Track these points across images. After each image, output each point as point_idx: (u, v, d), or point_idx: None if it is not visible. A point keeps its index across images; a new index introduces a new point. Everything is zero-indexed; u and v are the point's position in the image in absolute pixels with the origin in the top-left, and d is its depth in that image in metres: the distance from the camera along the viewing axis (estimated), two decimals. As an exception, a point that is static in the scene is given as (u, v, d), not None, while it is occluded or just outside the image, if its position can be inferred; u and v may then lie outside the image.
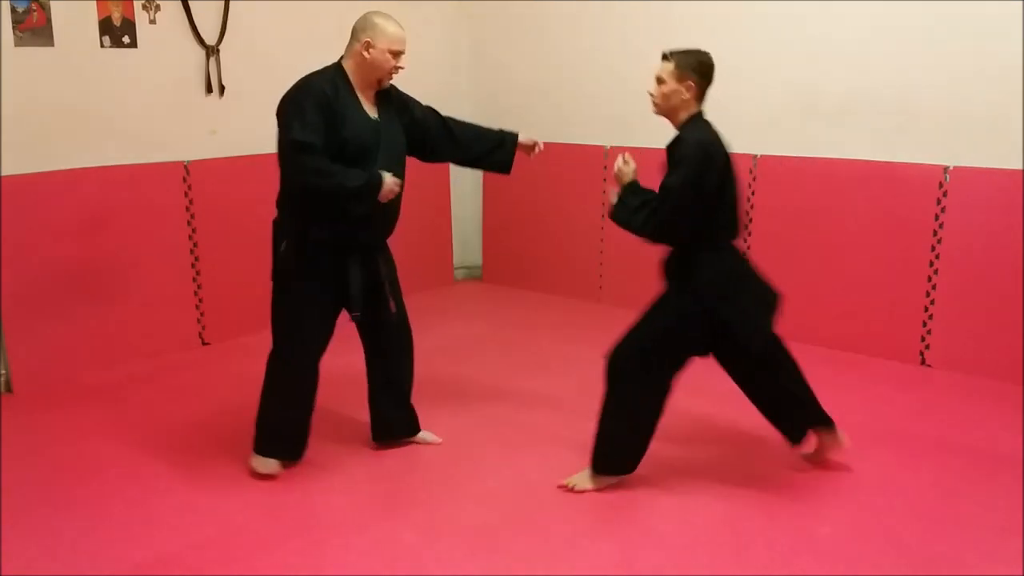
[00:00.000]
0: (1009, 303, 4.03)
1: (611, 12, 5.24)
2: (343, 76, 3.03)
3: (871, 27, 4.31)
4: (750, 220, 4.81)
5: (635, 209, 2.93)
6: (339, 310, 3.19)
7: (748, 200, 4.80)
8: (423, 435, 3.47)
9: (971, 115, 4.10)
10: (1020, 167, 3.98)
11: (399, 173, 3.08)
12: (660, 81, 2.93)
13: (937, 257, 4.23)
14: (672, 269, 3.03)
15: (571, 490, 3.06)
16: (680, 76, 2.89)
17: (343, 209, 2.96)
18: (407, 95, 3.26)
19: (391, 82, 3.11)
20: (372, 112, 3.06)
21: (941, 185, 4.18)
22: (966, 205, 4.12)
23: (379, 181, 2.94)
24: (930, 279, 4.26)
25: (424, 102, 5.88)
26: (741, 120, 4.81)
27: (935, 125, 4.21)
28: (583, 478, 3.09)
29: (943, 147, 4.19)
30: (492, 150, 3.36)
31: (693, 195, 2.84)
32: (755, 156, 4.76)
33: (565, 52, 5.46)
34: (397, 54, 3.00)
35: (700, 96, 2.94)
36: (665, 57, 2.94)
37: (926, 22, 4.15)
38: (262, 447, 3.21)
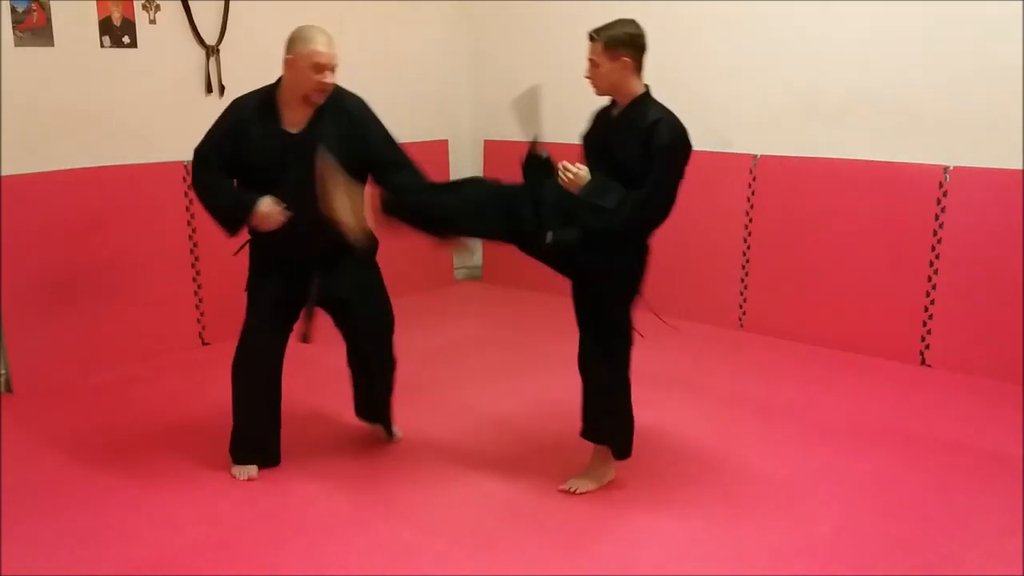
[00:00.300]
0: (1009, 303, 4.03)
1: (611, 12, 5.18)
2: (272, 93, 3.01)
3: (871, 27, 4.31)
4: (750, 220, 4.81)
5: (621, 205, 2.77)
6: (288, 316, 3.20)
7: (748, 200, 4.80)
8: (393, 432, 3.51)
9: (971, 115, 4.10)
10: (1020, 167, 3.98)
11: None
12: (594, 64, 2.84)
13: (937, 257, 4.23)
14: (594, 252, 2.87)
15: (573, 493, 3.06)
16: (612, 54, 2.80)
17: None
18: (367, 116, 3.07)
19: (356, 96, 3.09)
20: (297, 127, 2.98)
21: (941, 185, 4.18)
22: (966, 205, 4.12)
23: (247, 207, 2.91)
24: (930, 279, 4.26)
25: (424, 102, 5.89)
26: (741, 120, 4.83)
27: (935, 125, 4.21)
28: (583, 480, 3.09)
29: (943, 147, 4.19)
30: None
31: (676, 187, 2.86)
32: (755, 156, 4.76)
33: (565, 52, 5.44)
34: (320, 68, 2.88)
35: (639, 69, 2.87)
36: (592, 37, 2.83)
37: (926, 22, 4.15)
38: (232, 451, 3.25)
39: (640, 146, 2.81)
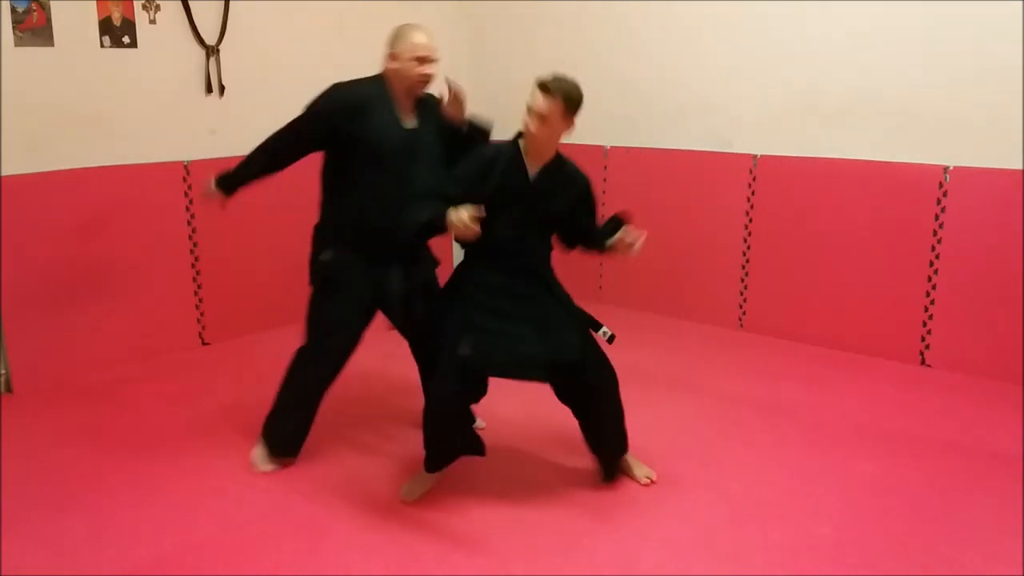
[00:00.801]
0: (1009, 303, 4.03)
1: (611, 11, 5.24)
2: (382, 82, 3.11)
3: (871, 27, 4.31)
4: (750, 220, 4.81)
5: None
6: (366, 318, 3.22)
7: (748, 200, 4.81)
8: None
9: (971, 115, 4.09)
10: (1020, 167, 3.98)
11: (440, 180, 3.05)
12: (545, 121, 2.72)
13: (937, 257, 4.23)
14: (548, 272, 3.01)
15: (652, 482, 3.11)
16: (567, 119, 2.74)
17: None
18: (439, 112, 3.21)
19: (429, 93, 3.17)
20: (410, 121, 3.10)
21: (941, 185, 4.18)
22: (966, 205, 4.12)
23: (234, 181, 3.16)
24: (930, 279, 4.26)
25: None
26: (741, 120, 4.83)
27: (935, 125, 4.21)
28: (633, 463, 3.15)
29: (943, 147, 4.18)
30: None
31: None
32: (755, 156, 4.76)
33: (565, 52, 5.45)
34: (422, 60, 3.03)
35: None
36: (546, 90, 2.71)
37: (926, 22, 4.15)
38: (268, 440, 3.26)
39: (572, 200, 2.93)
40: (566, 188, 2.91)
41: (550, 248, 3.03)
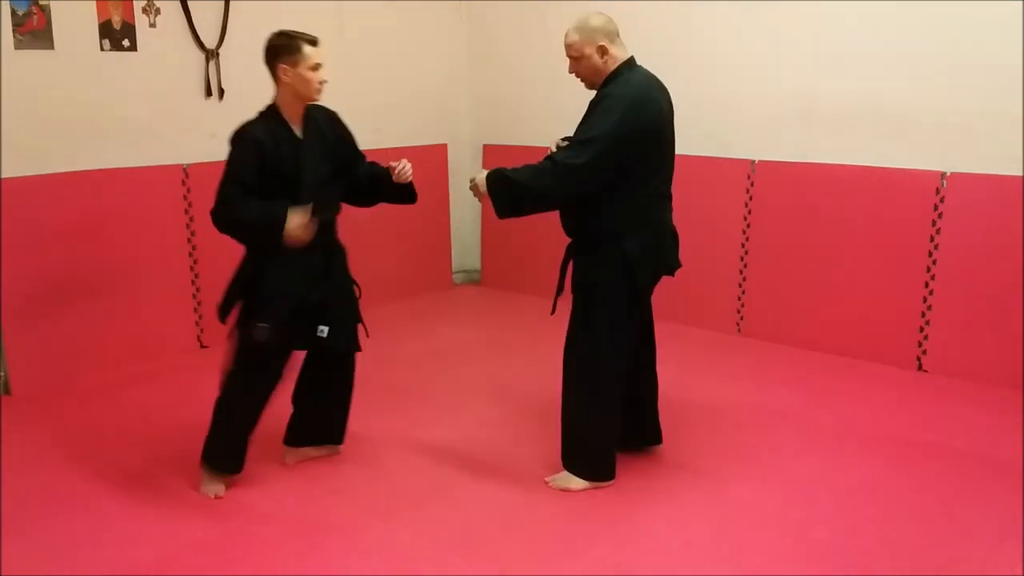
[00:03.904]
0: (1006, 309, 4.04)
1: (611, 12, 5.24)
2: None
3: (869, 33, 4.32)
4: (748, 225, 4.82)
5: None
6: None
7: (746, 205, 4.82)
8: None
9: (968, 121, 4.11)
10: (1017, 173, 3.99)
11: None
12: None
13: (934, 263, 4.24)
14: None
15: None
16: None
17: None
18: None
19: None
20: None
21: (938, 191, 4.19)
22: (963, 211, 4.13)
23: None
24: (927, 285, 4.27)
25: (424, 102, 5.88)
26: (739, 125, 4.84)
27: (932, 131, 4.22)
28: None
29: (940, 153, 4.20)
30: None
31: None
32: (753, 161, 4.78)
33: (564, 54, 5.46)
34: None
35: None
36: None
37: (925, 27, 4.17)
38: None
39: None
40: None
41: None
